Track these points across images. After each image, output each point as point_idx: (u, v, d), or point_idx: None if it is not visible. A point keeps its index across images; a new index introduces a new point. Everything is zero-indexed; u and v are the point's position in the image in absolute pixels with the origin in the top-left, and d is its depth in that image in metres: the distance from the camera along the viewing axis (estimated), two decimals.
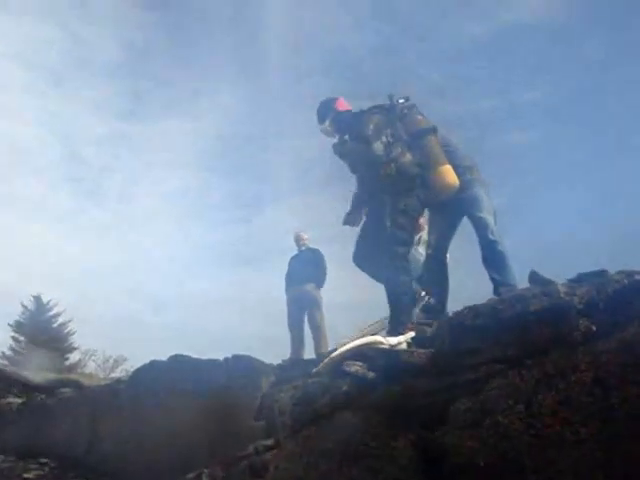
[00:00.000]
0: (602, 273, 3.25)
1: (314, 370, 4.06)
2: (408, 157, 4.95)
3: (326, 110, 5.32)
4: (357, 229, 5.20)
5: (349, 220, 5.21)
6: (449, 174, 5.01)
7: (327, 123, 5.25)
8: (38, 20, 44.46)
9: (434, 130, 5.16)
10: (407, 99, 5.27)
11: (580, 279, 3.29)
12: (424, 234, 6.64)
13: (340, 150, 5.09)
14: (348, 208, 5.25)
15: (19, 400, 7.34)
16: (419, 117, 5.17)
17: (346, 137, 5.15)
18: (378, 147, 4.93)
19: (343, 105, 5.35)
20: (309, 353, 8.83)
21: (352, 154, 5.07)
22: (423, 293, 4.93)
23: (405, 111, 5.19)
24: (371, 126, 4.98)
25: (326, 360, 4.01)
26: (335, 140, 5.20)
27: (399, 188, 4.89)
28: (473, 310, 3.28)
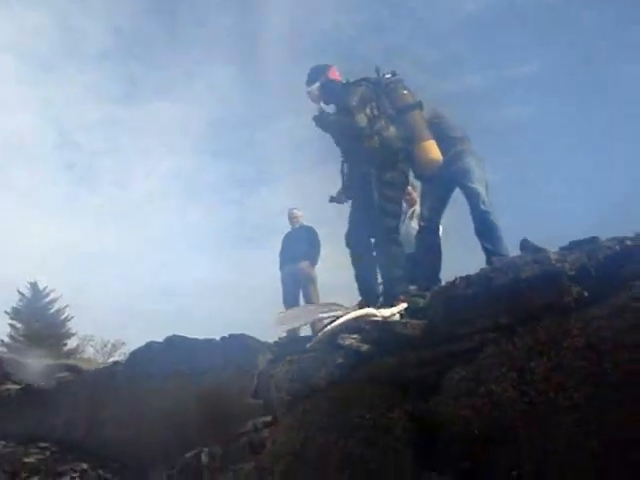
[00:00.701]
0: (593, 240, 3.24)
1: (308, 345, 4.06)
2: (392, 131, 4.94)
3: (317, 74, 5.31)
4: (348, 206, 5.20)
5: (334, 198, 5.21)
6: (432, 149, 5.00)
7: (315, 86, 5.24)
8: (28, 8, 44.10)
9: (419, 105, 5.13)
10: (394, 74, 5.24)
11: (571, 246, 3.28)
12: (417, 208, 6.65)
13: (321, 122, 5.07)
14: (340, 185, 5.25)
15: (18, 386, 7.35)
16: (404, 92, 5.14)
17: (328, 108, 5.13)
18: (361, 119, 4.92)
19: (334, 74, 5.34)
20: (304, 330, 8.83)
21: (334, 125, 5.05)
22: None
23: (391, 85, 5.17)
24: (355, 97, 4.97)
25: (319, 335, 4.02)
26: (316, 109, 5.18)
27: (383, 161, 4.88)
28: (465, 280, 3.28)
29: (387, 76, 5.20)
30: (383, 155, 4.88)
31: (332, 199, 5.23)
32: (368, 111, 4.95)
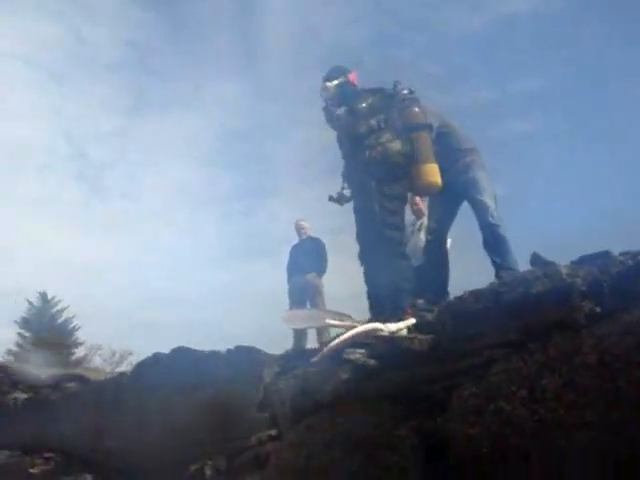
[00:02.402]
0: (605, 254, 3.17)
1: (314, 359, 4.01)
2: (396, 146, 4.88)
3: (339, 73, 5.30)
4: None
5: (334, 199, 5.17)
6: (434, 173, 4.94)
7: (334, 83, 5.21)
8: (41, 19, 44.47)
9: (429, 127, 5.08)
10: (411, 91, 5.19)
11: (583, 261, 3.22)
12: (425, 220, 6.59)
13: (328, 114, 5.10)
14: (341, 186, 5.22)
15: (25, 395, 7.33)
16: (416, 110, 5.08)
17: (340, 110, 5.11)
18: (361, 125, 4.89)
19: (354, 78, 5.33)
20: (312, 342, 8.80)
21: (338, 121, 5.03)
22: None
23: (406, 102, 5.12)
24: (364, 103, 4.95)
25: (325, 350, 3.97)
26: (324, 103, 5.19)
27: (383, 174, 4.84)
28: (474, 294, 3.22)
29: (404, 92, 5.16)
30: (384, 167, 4.84)
31: (331, 198, 5.18)
32: (373, 122, 4.91)
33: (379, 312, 4.62)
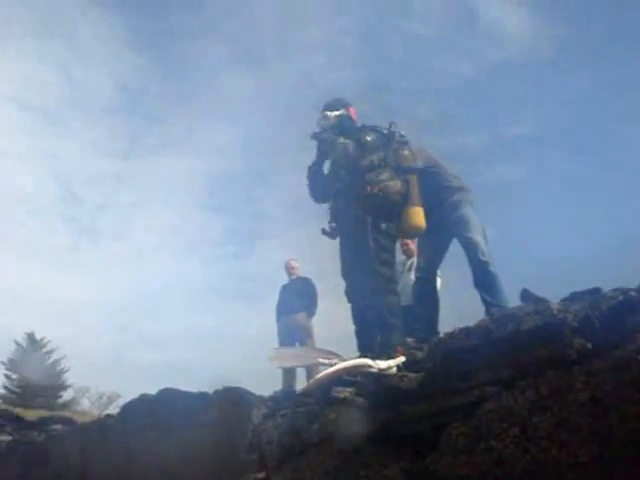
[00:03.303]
0: (596, 291, 3.15)
1: (301, 389, 3.96)
2: (396, 185, 4.91)
3: (340, 105, 5.33)
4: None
5: (327, 232, 5.14)
6: (419, 216, 4.98)
7: (335, 114, 5.22)
8: (35, 62, 44.91)
9: (418, 171, 5.10)
10: (402, 135, 5.22)
11: (573, 297, 3.20)
12: (415, 259, 6.58)
13: (325, 140, 5.11)
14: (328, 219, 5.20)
15: (10, 438, 7.22)
16: (406, 152, 5.10)
17: (346, 140, 5.11)
18: (366, 159, 4.92)
19: (354, 113, 5.37)
20: (301, 383, 8.71)
21: (344, 153, 5.02)
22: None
23: (399, 144, 5.14)
24: (369, 138, 4.98)
25: (311, 381, 3.91)
26: (320, 130, 5.19)
27: (380, 210, 4.84)
28: (464, 331, 3.19)
29: (402, 133, 5.18)
30: (383, 204, 4.84)
31: (324, 232, 5.16)
32: (374, 158, 4.94)
33: (367, 350, 4.58)
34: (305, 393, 4.38)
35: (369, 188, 4.83)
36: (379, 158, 4.97)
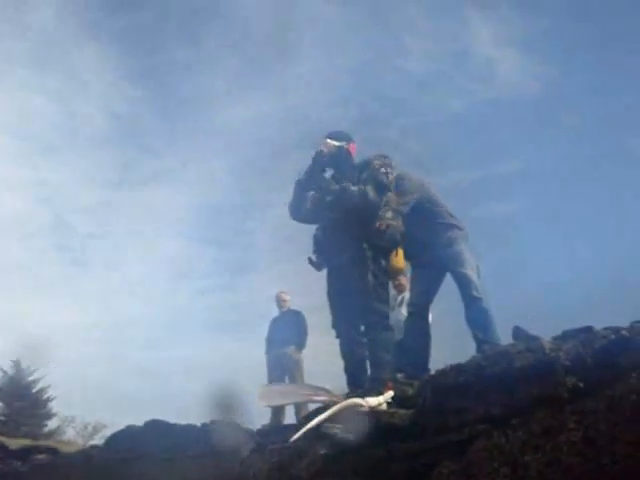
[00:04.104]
0: (588, 329, 3.14)
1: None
2: (399, 224, 4.92)
3: (344, 138, 5.32)
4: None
5: (314, 263, 5.12)
6: (399, 258, 5.03)
7: (339, 144, 5.21)
8: (30, 92, 45.12)
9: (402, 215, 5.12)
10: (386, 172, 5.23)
11: (565, 335, 3.19)
12: (407, 294, 6.58)
13: (340, 195, 5.03)
14: (312, 249, 5.18)
15: None
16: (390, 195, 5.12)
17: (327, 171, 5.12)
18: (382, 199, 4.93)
19: (353, 150, 5.34)
20: (289, 417, 8.63)
21: (354, 197, 4.97)
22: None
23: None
24: (384, 179, 4.97)
25: (303, 431, 3.85)
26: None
27: (382, 248, 4.86)
28: (456, 368, 3.17)
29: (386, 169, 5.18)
30: (387, 241, 4.86)
31: (311, 262, 5.13)
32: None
33: (357, 386, 4.55)
34: (293, 426, 4.35)
35: (378, 224, 4.83)
36: (381, 198, 4.98)
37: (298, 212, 5.23)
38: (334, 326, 5.00)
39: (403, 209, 5.03)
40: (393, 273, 5.20)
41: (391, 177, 5.08)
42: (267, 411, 8.46)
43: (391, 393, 3.99)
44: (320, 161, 5.12)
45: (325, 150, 5.14)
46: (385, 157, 5.21)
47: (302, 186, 5.20)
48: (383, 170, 5.03)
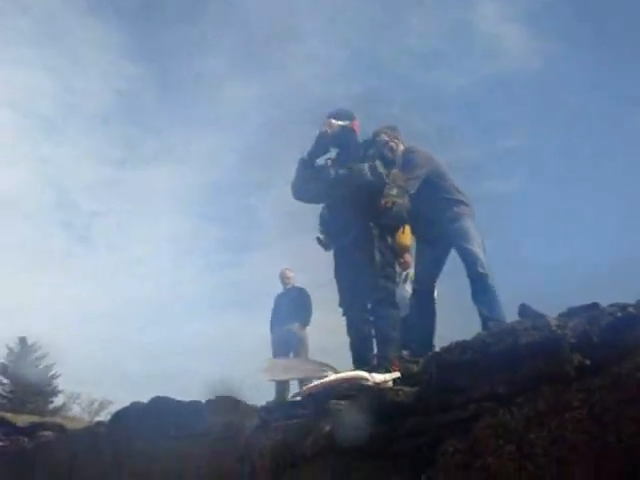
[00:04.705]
0: (594, 306, 3.12)
1: (293, 394, 3.93)
2: (406, 202, 4.89)
3: (347, 117, 5.32)
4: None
5: (322, 242, 5.11)
6: (406, 234, 5.03)
7: (343, 123, 5.21)
8: (32, 68, 44.93)
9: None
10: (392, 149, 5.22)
11: (571, 312, 3.16)
12: (411, 271, 6.56)
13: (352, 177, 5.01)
14: (319, 229, 5.18)
15: (0, 443, 7.18)
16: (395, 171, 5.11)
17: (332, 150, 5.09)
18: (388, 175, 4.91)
19: (357, 127, 5.35)
20: (293, 389, 8.67)
21: (357, 174, 4.96)
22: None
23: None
24: (389, 154, 4.95)
25: (305, 388, 3.88)
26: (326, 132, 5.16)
27: (388, 225, 4.84)
28: (461, 345, 3.15)
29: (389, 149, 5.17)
30: (394, 219, 4.84)
31: (319, 241, 5.13)
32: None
33: (363, 363, 4.55)
34: (298, 402, 4.35)
35: (384, 202, 4.80)
36: (387, 174, 4.96)
37: (301, 192, 5.22)
38: (341, 304, 5.01)
39: (413, 185, 5.00)
40: (400, 250, 5.20)
41: (398, 151, 5.06)
42: (271, 387, 8.52)
43: (397, 374, 3.99)
44: (324, 142, 5.09)
45: (329, 130, 5.10)
46: (393, 129, 5.20)
47: (305, 165, 5.18)
48: (389, 145, 5.01)
